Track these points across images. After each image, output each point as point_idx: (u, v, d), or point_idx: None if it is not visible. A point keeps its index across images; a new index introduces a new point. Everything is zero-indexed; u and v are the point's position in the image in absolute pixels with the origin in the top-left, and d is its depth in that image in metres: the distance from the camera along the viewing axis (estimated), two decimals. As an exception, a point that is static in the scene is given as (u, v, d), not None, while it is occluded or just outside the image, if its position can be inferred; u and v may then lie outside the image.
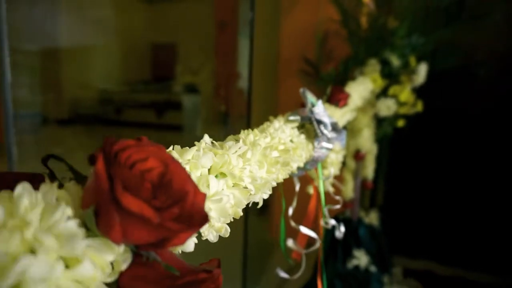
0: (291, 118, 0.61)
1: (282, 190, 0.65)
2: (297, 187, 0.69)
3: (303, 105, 0.71)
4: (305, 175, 0.77)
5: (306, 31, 2.14)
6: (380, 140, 1.77)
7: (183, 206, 0.21)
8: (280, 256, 2.06)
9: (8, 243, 0.16)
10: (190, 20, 4.91)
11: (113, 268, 0.21)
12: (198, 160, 0.32)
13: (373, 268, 1.68)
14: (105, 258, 0.20)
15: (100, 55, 5.17)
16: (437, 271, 2.12)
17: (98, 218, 0.19)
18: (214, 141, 0.39)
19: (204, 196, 0.22)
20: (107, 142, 0.20)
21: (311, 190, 0.83)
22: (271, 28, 2.21)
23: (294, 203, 0.69)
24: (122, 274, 0.21)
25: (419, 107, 1.63)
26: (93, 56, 4.97)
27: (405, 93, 1.59)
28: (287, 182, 0.58)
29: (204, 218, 0.21)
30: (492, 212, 2.05)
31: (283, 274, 0.67)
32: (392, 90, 1.59)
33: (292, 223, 0.68)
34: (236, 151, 0.37)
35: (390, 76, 1.61)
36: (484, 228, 2.07)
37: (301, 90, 0.65)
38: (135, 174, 0.20)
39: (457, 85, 2.03)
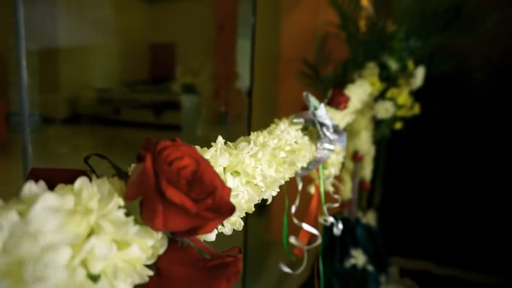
0: (295, 120, 0.64)
1: (286, 189, 0.68)
2: (300, 186, 0.72)
3: (305, 107, 0.74)
4: (307, 176, 0.80)
5: (306, 33, 2.18)
6: (378, 142, 1.80)
7: (214, 198, 0.24)
8: (279, 255, 2.10)
9: (79, 226, 0.19)
10: (190, 21, 4.92)
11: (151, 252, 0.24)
12: (216, 160, 0.35)
13: (370, 268, 1.71)
14: (146, 243, 0.23)
15: (99, 55, 5.18)
16: (433, 271, 2.16)
17: (143, 208, 0.22)
18: (228, 142, 0.42)
19: (229, 190, 0.26)
20: (150, 142, 0.24)
21: (312, 190, 0.86)
22: (271, 30, 2.24)
23: (297, 202, 0.72)
24: (159, 257, 0.25)
25: (416, 109, 1.66)
26: (92, 56, 4.97)
27: (403, 96, 1.63)
28: (289, 182, 0.61)
29: (231, 209, 0.24)
30: (487, 213, 2.09)
31: (286, 269, 0.71)
32: (390, 93, 1.62)
33: (295, 221, 0.71)
34: (248, 152, 0.40)
35: (388, 79, 1.64)
36: (479, 228, 2.11)
37: (304, 94, 0.69)
38: (173, 171, 0.23)
39: (453, 89, 2.07)
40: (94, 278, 0.19)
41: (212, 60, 3.71)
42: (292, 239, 0.73)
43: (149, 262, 0.24)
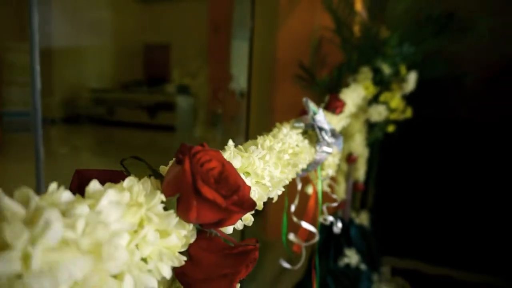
0: (296, 125, 0.69)
1: (287, 189, 0.72)
2: (299, 187, 0.76)
3: (303, 111, 0.79)
4: (305, 176, 0.84)
5: (302, 37, 2.22)
6: (371, 144, 1.85)
7: (238, 195, 0.28)
8: (275, 255, 2.14)
9: (134, 217, 0.23)
10: (186, 22, 4.93)
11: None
12: (231, 162, 0.39)
13: (363, 267, 1.76)
14: (180, 233, 0.27)
15: (94, 56, 5.17)
16: (423, 270, 2.21)
17: (179, 203, 0.26)
18: (239, 145, 0.46)
19: (249, 188, 0.30)
20: (185, 147, 0.28)
21: (310, 190, 0.91)
22: (268, 34, 2.28)
23: (296, 201, 0.77)
24: (190, 245, 0.29)
25: (409, 113, 1.71)
26: (87, 56, 4.97)
27: (396, 100, 1.68)
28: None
29: (253, 204, 0.28)
30: (477, 214, 2.15)
31: (286, 265, 0.75)
32: (383, 97, 1.67)
33: (295, 219, 0.75)
34: (257, 155, 0.44)
35: (382, 84, 1.69)
36: (469, 229, 2.17)
37: (304, 99, 0.73)
38: (204, 172, 0.27)
39: (445, 93, 2.13)
40: (145, 260, 0.24)
41: (209, 62, 3.73)
42: (291, 236, 0.78)
43: (183, 249, 0.28)
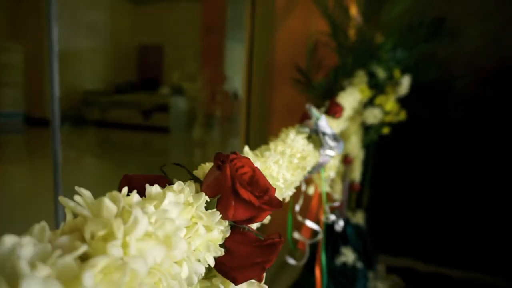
0: (301, 130, 0.74)
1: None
2: (303, 188, 0.81)
3: (305, 116, 0.83)
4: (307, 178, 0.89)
5: (300, 40, 2.27)
6: (366, 146, 1.90)
7: (268, 195, 0.33)
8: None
9: (188, 214, 0.28)
10: (178, 23, 4.95)
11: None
12: (252, 166, 0.44)
13: (359, 265, 1.81)
14: (219, 228, 0.31)
15: (89, 58, 5.18)
16: (418, 268, 2.27)
17: (219, 203, 0.31)
18: (255, 151, 0.51)
19: (275, 190, 0.35)
20: (222, 155, 0.32)
21: (311, 190, 0.95)
22: (266, 37, 2.33)
23: (301, 201, 0.81)
24: (226, 239, 0.33)
25: (403, 115, 1.77)
26: (81, 58, 4.97)
27: (390, 103, 1.73)
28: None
29: (280, 203, 0.33)
30: (469, 213, 2.21)
31: (291, 261, 0.80)
32: (378, 100, 1.72)
33: (299, 218, 0.80)
34: (273, 159, 0.49)
35: (377, 87, 1.74)
36: (462, 228, 2.23)
37: (307, 106, 0.78)
38: (239, 176, 0.32)
39: (437, 96, 2.19)
40: (196, 250, 0.28)
41: (203, 64, 3.76)
42: (296, 235, 0.82)
43: (220, 243, 0.32)
